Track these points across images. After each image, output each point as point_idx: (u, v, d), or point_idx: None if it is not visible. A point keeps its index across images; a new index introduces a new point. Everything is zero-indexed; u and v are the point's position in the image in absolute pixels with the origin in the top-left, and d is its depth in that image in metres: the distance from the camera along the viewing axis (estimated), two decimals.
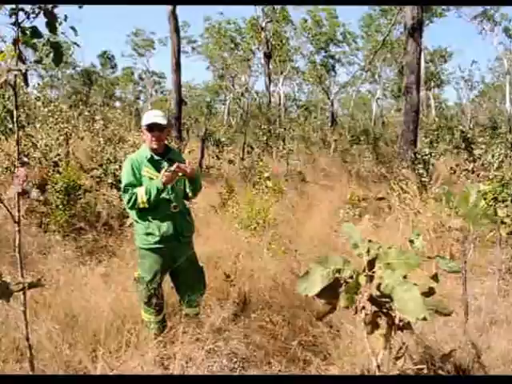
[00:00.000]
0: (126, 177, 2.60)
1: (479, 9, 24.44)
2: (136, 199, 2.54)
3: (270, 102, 21.74)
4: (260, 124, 15.00)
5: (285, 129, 13.43)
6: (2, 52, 1.53)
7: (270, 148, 12.35)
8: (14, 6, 1.60)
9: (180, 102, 12.30)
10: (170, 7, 11.77)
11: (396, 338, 1.56)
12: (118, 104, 32.34)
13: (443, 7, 23.73)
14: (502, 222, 3.28)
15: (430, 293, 1.53)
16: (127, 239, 4.24)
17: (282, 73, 26.77)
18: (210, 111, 26.23)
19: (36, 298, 2.75)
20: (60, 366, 2.26)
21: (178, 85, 12.25)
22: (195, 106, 31.08)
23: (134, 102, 34.07)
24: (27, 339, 1.72)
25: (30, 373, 1.78)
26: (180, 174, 2.58)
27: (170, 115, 12.49)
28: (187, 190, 2.75)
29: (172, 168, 2.53)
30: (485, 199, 3.09)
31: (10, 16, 1.58)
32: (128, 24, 71.36)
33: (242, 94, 28.33)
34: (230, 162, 9.84)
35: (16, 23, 1.58)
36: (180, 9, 12.52)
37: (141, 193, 2.53)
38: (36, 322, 2.50)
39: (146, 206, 2.54)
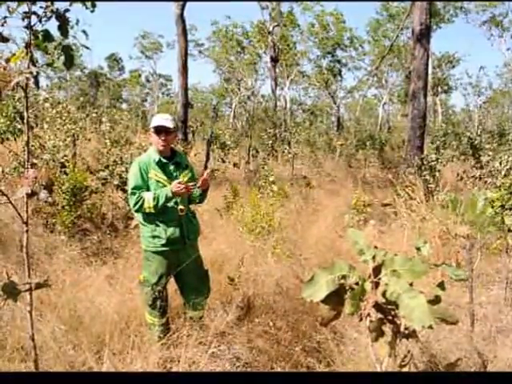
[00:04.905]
0: (133, 179, 2.61)
1: (487, 14, 24.35)
2: (142, 204, 2.54)
3: (275, 105, 21.76)
4: (265, 128, 15.03)
5: (290, 133, 13.43)
6: (14, 55, 1.55)
7: (276, 152, 12.36)
8: (26, 10, 1.62)
9: (186, 104, 12.36)
10: (178, 11, 11.85)
11: (401, 346, 1.54)
12: (124, 106, 32.62)
13: (451, 12, 23.69)
14: (510, 230, 3.25)
15: (435, 301, 1.52)
16: (132, 241, 4.26)
17: (288, 77, 26.81)
18: (216, 114, 26.33)
19: (41, 298, 2.77)
20: (64, 366, 2.27)
21: (185, 87, 12.31)
22: (201, 109, 31.22)
23: (141, 105, 34.29)
24: (32, 339, 1.72)
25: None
26: (192, 189, 2.62)
27: (176, 118, 12.56)
28: (194, 196, 2.76)
29: (190, 184, 2.56)
30: (492, 207, 3.07)
31: (23, 19, 1.61)
32: (136, 27, 71.96)
33: (248, 98, 28.40)
34: (235, 165, 9.85)
35: (28, 26, 1.61)
36: (188, 12, 12.61)
37: (148, 198, 2.54)
38: (41, 321, 2.51)
39: (152, 211, 2.55)
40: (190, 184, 2.59)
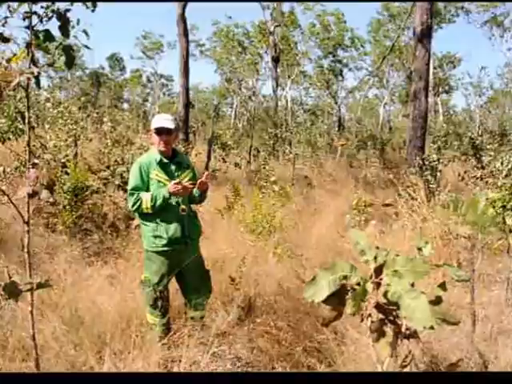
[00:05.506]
0: (132, 180, 2.63)
1: (489, 14, 24.30)
2: (140, 204, 2.56)
3: (276, 105, 21.75)
4: (267, 128, 15.03)
5: (291, 133, 13.43)
6: (15, 55, 1.55)
7: (277, 152, 12.36)
8: (27, 10, 1.62)
9: (187, 104, 12.36)
10: (179, 10, 11.86)
11: (402, 347, 1.54)
12: (125, 106, 32.66)
13: (452, 12, 23.67)
14: (511, 231, 3.25)
15: (437, 301, 1.52)
16: (133, 241, 4.26)
17: (289, 77, 26.80)
18: (217, 114, 26.34)
19: (42, 297, 2.77)
20: (65, 366, 2.27)
21: (186, 87, 12.31)
22: (202, 109, 31.23)
23: (142, 105, 34.32)
24: (33, 339, 1.73)
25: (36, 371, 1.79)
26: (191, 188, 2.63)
27: (177, 118, 12.56)
28: (193, 196, 2.76)
29: (187, 184, 2.57)
30: (493, 207, 3.06)
31: (24, 19, 1.61)
32: (137, 27, 72.08)
33: (249, 98, 28.41)
34: (236, 165, 9.85)
35: (29, 26, 1.61)
36: (189, 12, 12.61)
37: (146, 198, 2.55)
38: (42, 321, 2.51)
39: (150, 211, 2.57)
40: (188, 184, 2.59)
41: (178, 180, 2.58)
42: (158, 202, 2.54)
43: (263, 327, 2.78)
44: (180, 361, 2.19)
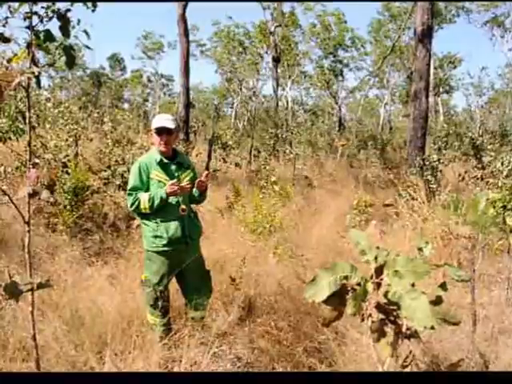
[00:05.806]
0: (132, 180, 2.64)
1: (489, 14, 24.28)
2: (139, 204, 2.57)
3: (277, 105, 21.75)
4: (267, 128, 15.03)
5: (292, 133, 13.42)
6: (16, 55, 1.56)
7: (277, 152, 12.36)
8: (28, 10, 1.63)
9: (188, 104, 12.37)
10: (179, 11, 11.86)
11: (403, 347, 1.54)
12: (126, 106, 32.68)
13: (453, 12, 23.67)
14: (511, 231, 3.24)
15: (437, 301, 1.52)
16: (134, 241, 4.26)
17: (289, 77, 26.79)
18: (218, 114, 26.34)
19: (43, 298, 2.77)
20: (66, 366, 2.27)
21: (186, 88, 12.32)
22: (203, 109, 31.25)
23: (143, 105, 34.34)
24: (34, 339, 1.73)
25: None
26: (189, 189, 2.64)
27: (177, 118, 12.56)
28: (193, 196, 2.77)
29: (185, 184, 2.57)
30: (494, 207, 3.05)
31: (24, 20, 1.61)
32: (138, 27, 72.18)
33: (250, 98, 28.41)
34: (237, 165, 9.85)
35: (30, 27, 1.61)
36: (189, 12, 12.61)
37: (144, 199, 2.56)
38: (43, 321, 2.51)
39: (148, 211, 2.58)
40: (186, 184, 2.60)
41: (175, 180, 2.58)
42: (156, 203, 2.55)
43: (264, 327, 2.77)
44: (180, 361, 2.19)
